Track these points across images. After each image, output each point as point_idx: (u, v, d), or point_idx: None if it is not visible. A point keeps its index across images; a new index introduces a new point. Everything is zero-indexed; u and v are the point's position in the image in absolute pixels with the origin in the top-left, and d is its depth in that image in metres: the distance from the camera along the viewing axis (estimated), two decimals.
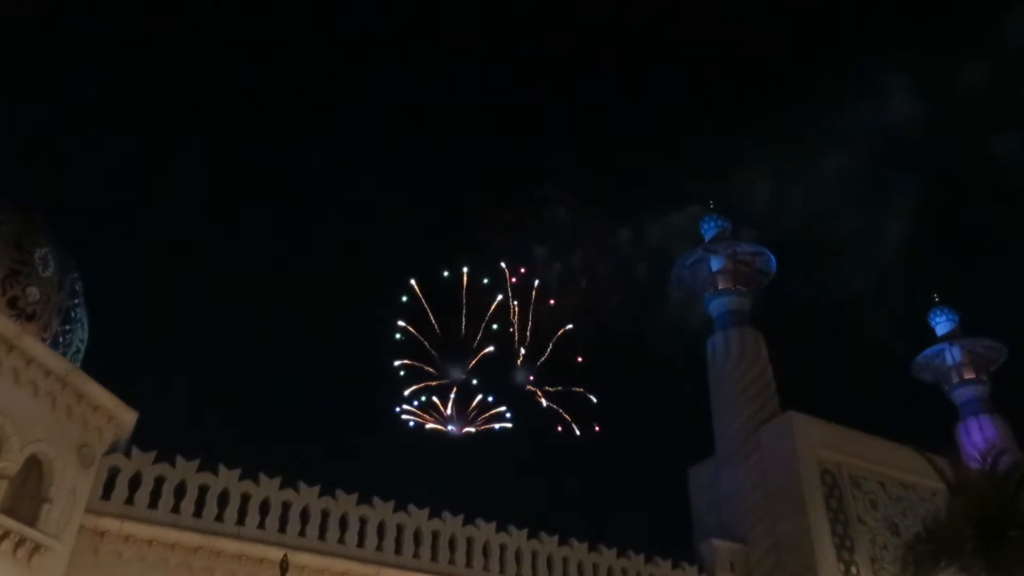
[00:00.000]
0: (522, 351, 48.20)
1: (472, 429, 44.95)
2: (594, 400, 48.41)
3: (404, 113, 71.32)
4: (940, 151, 66.45)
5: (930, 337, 50.67)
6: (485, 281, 48.30)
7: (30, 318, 22.40)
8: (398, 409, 45.46)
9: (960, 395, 47.63)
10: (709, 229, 44.94)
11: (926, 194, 67.48)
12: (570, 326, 49.11)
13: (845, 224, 68.67)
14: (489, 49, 70.74)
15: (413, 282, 47.22)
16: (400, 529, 27.59)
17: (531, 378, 48.01)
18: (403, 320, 47.30)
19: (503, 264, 49.49)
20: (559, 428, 47.98)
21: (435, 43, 70.16)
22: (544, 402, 47.21)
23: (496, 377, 47.98)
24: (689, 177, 63.88)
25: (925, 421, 48.30)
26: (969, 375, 48.05)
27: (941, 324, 51.10)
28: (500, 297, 48.40)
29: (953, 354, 48.89)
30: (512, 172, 65.09)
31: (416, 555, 27.37)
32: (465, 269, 48.24)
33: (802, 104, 68.03)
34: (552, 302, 49.17)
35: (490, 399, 46.77)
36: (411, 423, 46.05)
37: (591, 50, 73.10)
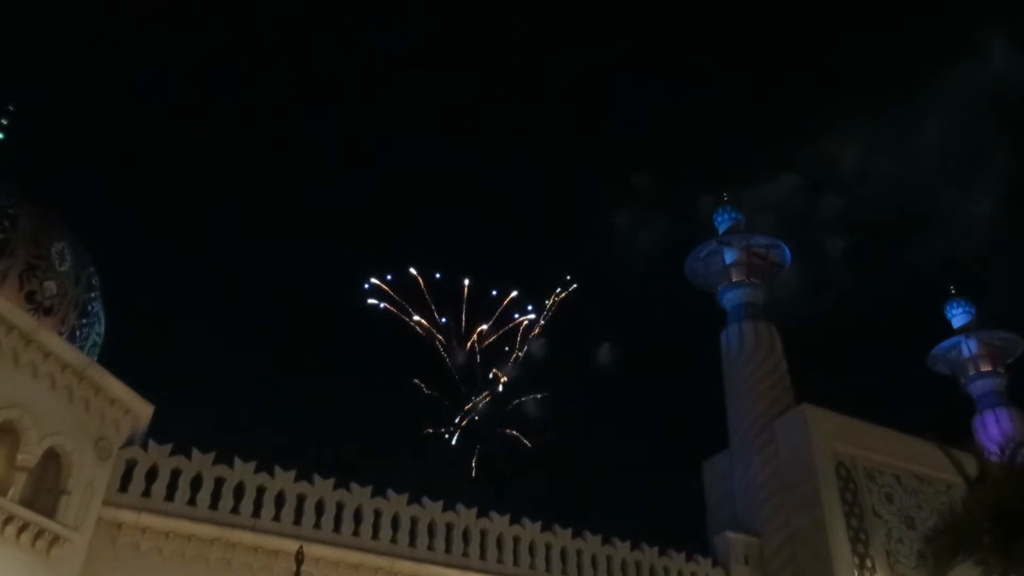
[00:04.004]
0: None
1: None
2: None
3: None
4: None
5: (946, 329, 50.26)
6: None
7: (47, 312, 22.60)
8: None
9: (977, 388, 47.17)
10: (723, 221, 44.56)
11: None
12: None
13: (931, 195, 64.29)
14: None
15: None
16: (414, 522, 27.69)
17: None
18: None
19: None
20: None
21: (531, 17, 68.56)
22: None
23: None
24: (787, 148, 61.11)
25: (941, 414, 47.92)
26: (986, 367, 47.57)
27: (957, 316, 50.60)
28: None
29: (969, 346, 48.39)
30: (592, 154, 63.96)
31: (430, 547, 27.47)
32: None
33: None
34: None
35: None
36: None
37: (682, 18, 71.24)
